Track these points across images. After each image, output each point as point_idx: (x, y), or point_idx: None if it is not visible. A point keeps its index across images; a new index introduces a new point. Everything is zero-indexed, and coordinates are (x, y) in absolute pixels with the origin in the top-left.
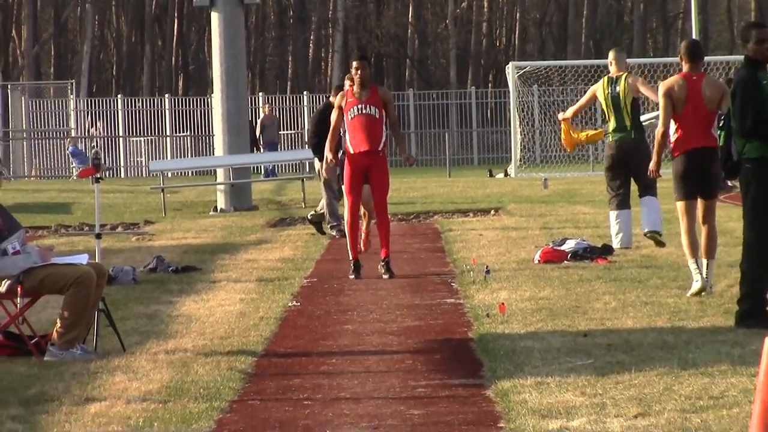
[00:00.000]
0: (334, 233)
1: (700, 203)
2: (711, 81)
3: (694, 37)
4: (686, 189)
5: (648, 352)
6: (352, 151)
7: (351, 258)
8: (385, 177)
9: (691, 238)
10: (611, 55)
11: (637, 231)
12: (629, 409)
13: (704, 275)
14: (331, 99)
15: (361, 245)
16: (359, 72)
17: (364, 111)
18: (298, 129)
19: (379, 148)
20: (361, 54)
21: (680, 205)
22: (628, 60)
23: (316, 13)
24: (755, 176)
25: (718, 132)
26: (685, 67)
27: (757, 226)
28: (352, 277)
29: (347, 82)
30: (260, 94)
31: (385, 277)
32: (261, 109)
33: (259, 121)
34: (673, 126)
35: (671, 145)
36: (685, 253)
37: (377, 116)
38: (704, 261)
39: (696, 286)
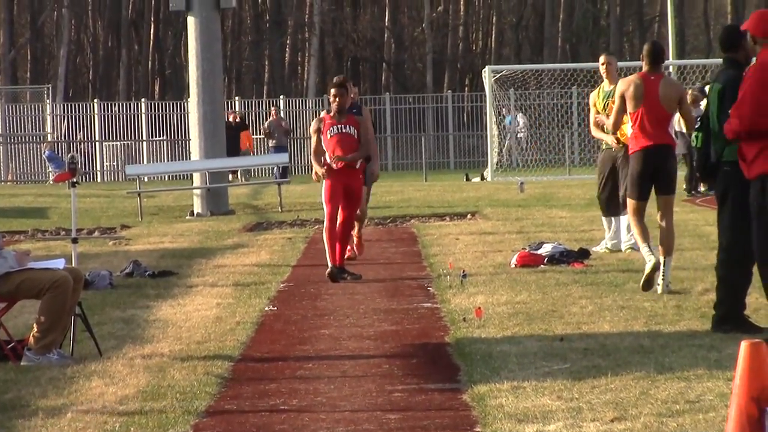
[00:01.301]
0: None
1: (658, 200)
2: (669, 82)
3: (670, 40)
4: (640, 189)
5: (624, 356)
6: (333, 167)
7: (329, 263)
8: (358, 194)
9: (641, 226)
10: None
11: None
12: (605, 414)
13: (662, 278)
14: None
15: (355, 250)
16: (337, 99)
17: (342, 130)
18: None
19: (357, 167)
20: (339, 81)
21: (632, 204)
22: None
23: (292, 17)
24: (734, 179)
25: (695, 134)
26: (645, 68)
27: (735, 230)
28: (328, 277)
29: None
30: (236, 98)
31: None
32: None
33: (265, 125)
34: (629, 125)
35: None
36: (636, 239)
37: (355, 135)
38: (662, 258)
39: (650, 264)
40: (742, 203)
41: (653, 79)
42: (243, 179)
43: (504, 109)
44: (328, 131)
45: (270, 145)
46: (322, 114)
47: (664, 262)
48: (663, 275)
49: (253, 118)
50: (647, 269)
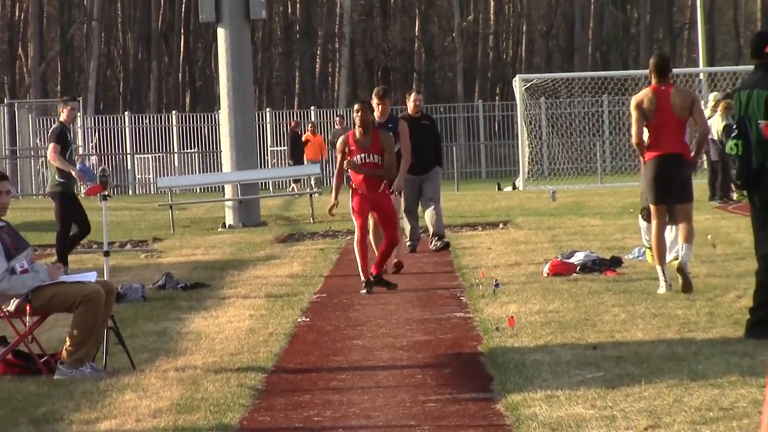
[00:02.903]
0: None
1: (676, 209)
2: (680, 90)
3: (700, 47)
4: (656, 193)
5: (658, 363)
6: (359, 192)
7: (363, 278)
8: (390, 211)
9: (660, 245)
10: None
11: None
12: (639, 422)
13: (680, 257)
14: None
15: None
16: (360, 114)
17: (367, 160)
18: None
19: (379, 191)
20: (363, 99)
21: (652, 209)
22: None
23: (322, 27)
24: None
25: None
26: (653, 81)
27: None
28: (364, 291)
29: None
30: (267, 109)
31: (362, 292)
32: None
33: (330, 134)
34: (645, 134)
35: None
36: (653, 256)
37: (380, 164)
38: (683, 245)
39: (661, 291)
40: None
41: (664, 90)
42: (299, 188)
43: None
44: (354, 160)
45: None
46: (348, 134)
47: (683, 247)
48: (681, 256)
49: (285, 129)
50: (660, 292)
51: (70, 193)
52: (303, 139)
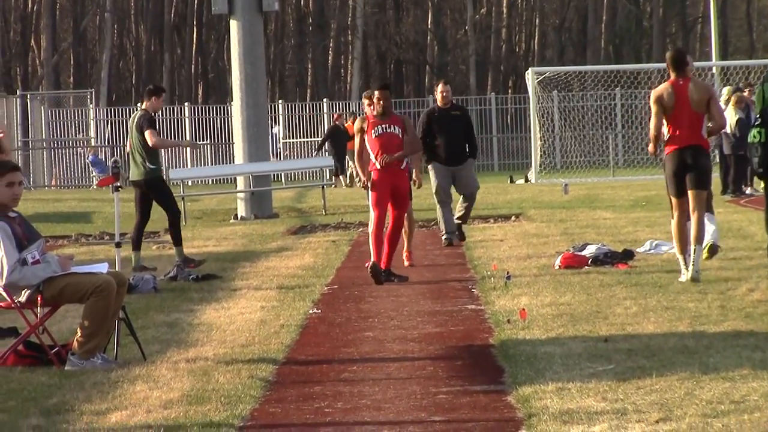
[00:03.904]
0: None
1: (690, 194)
2: (697, 84)
3: (713, 41)
4: (677, 186)
5: (669, 356)
6: (377, 167)
7: (373, 258)
8: (405, 194)
9: (682, 236)
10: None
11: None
12: (650, 415)
13: (692, 264)
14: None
15: (405, 260)
16: (381, 102)
17: (387, 130)
18: (317, 136)
19: (402, 166)
20: (382, 84)
21: (673, 201)
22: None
23: (335, 20)
24: None
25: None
26: (672, 75)
27: None
28: (368, 269)
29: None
30: (280, 101)
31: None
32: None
33: None
34: (665, 127)
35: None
36: (674, 244)
37: (400, 135)
38: (693, 247)
39: (684, 278)
40: None
41: (682, 84)
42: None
43: None
44: (373, 131)
45: None
46: (365, 113)
47: (694, 250)
48: (693, 262)
49: (297, 122)
50: (682, 279)
51: (161, 178)
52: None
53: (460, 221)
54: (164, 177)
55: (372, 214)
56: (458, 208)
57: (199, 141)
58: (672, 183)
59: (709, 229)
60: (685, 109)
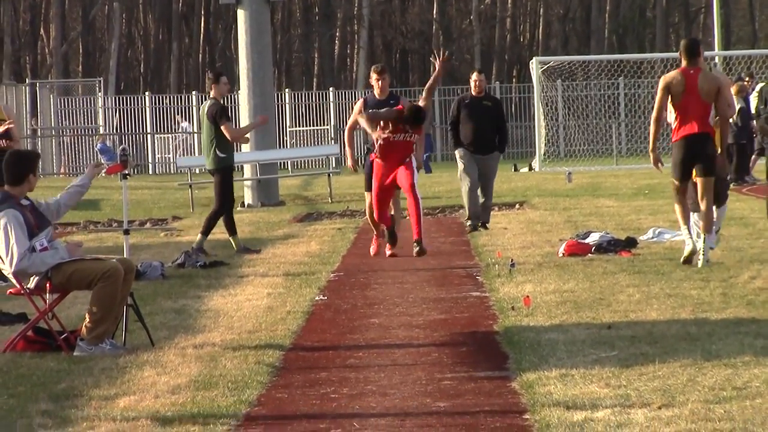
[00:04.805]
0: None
1: (698, 181)
2: (707, 75)
3: (715, 31)
4: (682, 171)
5: (672, 343)
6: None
7: (377, 235)
8: (409, 170)
9: (683, 207)
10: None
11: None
12: (653, 400)
13: (702, 255)
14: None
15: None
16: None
17: (396, 138)
18: (323, 125)
19: (407, 161)
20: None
21: (675, 185)
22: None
23: (341, 9)
24: None
25: None
26: (683, 63)
27: None
28: (387, 251)
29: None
30: (286, 90)
31: (416, 253)
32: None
33: None
34: (672, 115)
35: (672, 131)
36: (679, 220)
37: (409, 139)
38: (702, 235)
39: (688, 249)
40: None
41: (692, 73)
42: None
43: None
44: (386, 133)
45: None
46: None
47: (704, 239)
48: (702, 252)
49: (303, 110)
50: (686, 252)
51: (230, 167)
52: None
53: (482, 220)
54: (233, 167)
55: (366, 198)
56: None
57: None
58: (677, 169)
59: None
60: (693, 98)
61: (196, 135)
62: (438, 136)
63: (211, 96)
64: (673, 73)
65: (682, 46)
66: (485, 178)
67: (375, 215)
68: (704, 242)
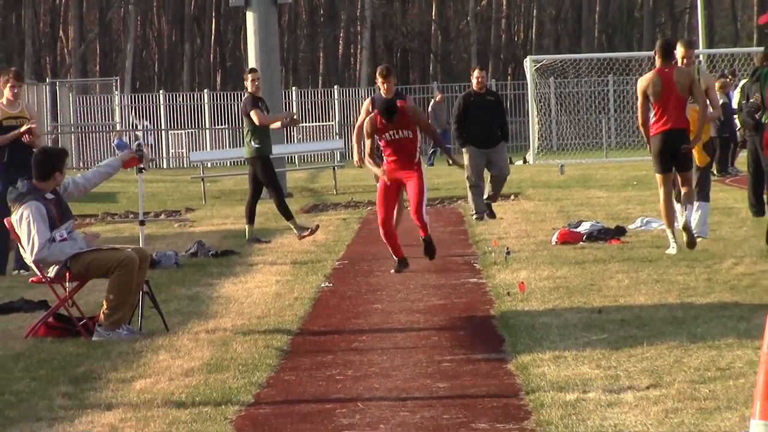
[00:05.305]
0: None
1: (678, 176)
2: (681, 70)
3: (700, 30)
4: (662, 164)
5: (659, 326)
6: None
7: (396, 258)
8: (420, 184)
9: (668, 209)
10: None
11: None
12: (642, 381)
13: (683, 219)
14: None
15: None
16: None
17: (396, 136)
18: (329, 121)
19: (414, 163)
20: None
21: (659, 177)
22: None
23: (345, 11)
24: None
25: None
26: (658, 62)
27: None
28: (393, 271)
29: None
30: (293, 88)
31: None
32: (433, 97)
33: (429, 107)
34: (651, 111)
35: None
36: (662, 220)
37: (411, 137)
38: (686, 207)
39: (672, 251)
40: None
41: (667, 72)
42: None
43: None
44: (383, 136)
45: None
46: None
47: (686, 208)
48: (684, 217)
49: (309, 107)
50: (669, 253)
51: (266, 156)
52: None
53: (489, 200)
54: (269, 156)
55: (378, 215)
56: (487, 189)
57: (217, 125)
58: (658, 161)
59: (701, 219)
60: (672, 94)
61: (207, 130)
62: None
63: (249, 91)
64: (648, 76)
65: (658, 46)
66: (498, 168)
67: (380, 215)
68: (687, 211)
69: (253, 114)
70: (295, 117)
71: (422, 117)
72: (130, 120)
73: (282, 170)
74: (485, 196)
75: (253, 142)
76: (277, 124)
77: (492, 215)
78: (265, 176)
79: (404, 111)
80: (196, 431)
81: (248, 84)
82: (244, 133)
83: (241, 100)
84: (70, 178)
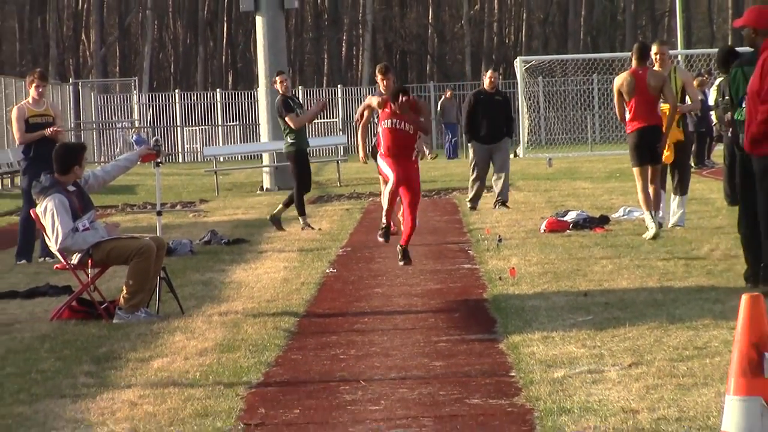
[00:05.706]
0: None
1: (650, 169)
2: (653, 73)
3: (678, 32)
4: (638, 157)
5: (640, 308)
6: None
7: (384, 223)
8: (416, 182)
9: (646, 196)
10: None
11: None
12: (624, 359)
13: (656, 223)
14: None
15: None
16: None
17: (397, 126)
18: (332, 118)
19: (412, 158)
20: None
21: (636, 170)
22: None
23: (347, 15)
24: None
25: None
26: (633, 64)
27: None
28: (381, 240)
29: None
30: (300, 87)
31: (401, 264)
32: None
33: (439, 104)
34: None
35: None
36: (642, 207)
37: (410, 131)
38: (652, 212)
39: (651, 233)
40: None
41: (641, 73)
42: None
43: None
44: (384, 121)
45: (443, 122)
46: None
47: (655, 214)
48: (654, 222)
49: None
50: (648, 235)
51: (301, 151)
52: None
53: (500, 199)
54: (304, 150)
55: (391, 178)
56: (495, 188)
57: (229, 122)
58: (633, 156)
59: (678, 211)
60: (644, 94)
61: (220, 127)
62: (434, 127)
63: (279, 92)
64: (623, 76)
65: (635, 48)
66: (501, 161)
67: (394, 177)
68: (654, 218)
69: (288, 120)
70: (323, 102)
71: (425, 107)
72: (148, 117)
73: (287, 164)
74: (497, 198)
75: (288, 138)
76: (311, 117)
77: (505, 204)
78: (295, 169)
79: (412, 99)
80: (209, 407)
81: (278, 86)
82: (282, 129)
83: (251, 98)
84: (91, 171)
